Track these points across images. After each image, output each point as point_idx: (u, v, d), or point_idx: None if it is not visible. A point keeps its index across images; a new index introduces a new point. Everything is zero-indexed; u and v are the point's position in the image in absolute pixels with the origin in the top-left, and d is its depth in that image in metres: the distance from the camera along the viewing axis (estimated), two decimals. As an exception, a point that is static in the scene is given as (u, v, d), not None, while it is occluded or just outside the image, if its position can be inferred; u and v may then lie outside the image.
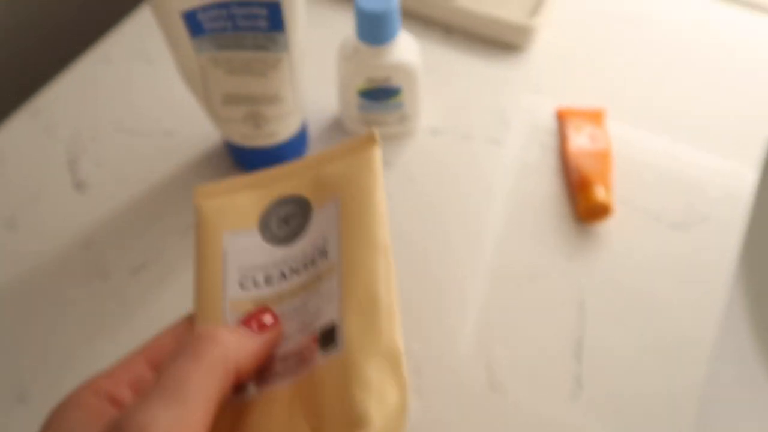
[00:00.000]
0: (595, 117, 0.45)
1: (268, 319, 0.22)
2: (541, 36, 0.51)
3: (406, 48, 0.40)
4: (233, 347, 0.20)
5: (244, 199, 0.26)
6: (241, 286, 0.24)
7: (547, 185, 0.42)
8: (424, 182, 0.43)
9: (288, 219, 0.25)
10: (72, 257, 0.40)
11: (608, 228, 0.40)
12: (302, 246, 0.24)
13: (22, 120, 0.47)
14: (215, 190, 0.26)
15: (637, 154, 0.44)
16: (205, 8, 0.34)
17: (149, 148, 0.45)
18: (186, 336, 0.22)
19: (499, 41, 0.51)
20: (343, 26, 0.51)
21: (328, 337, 0.21)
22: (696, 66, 0.49)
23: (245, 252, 0.24)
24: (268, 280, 0.24)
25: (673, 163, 0.43)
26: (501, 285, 0.38)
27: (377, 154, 0.25)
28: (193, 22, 0.35)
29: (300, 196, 0.25)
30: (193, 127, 0.46)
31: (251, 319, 0.22)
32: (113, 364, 0.22)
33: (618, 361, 0.35)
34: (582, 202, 0.39)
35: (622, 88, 0.48)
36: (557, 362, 0.35)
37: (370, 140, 0.26)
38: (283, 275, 0.24)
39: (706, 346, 0.36)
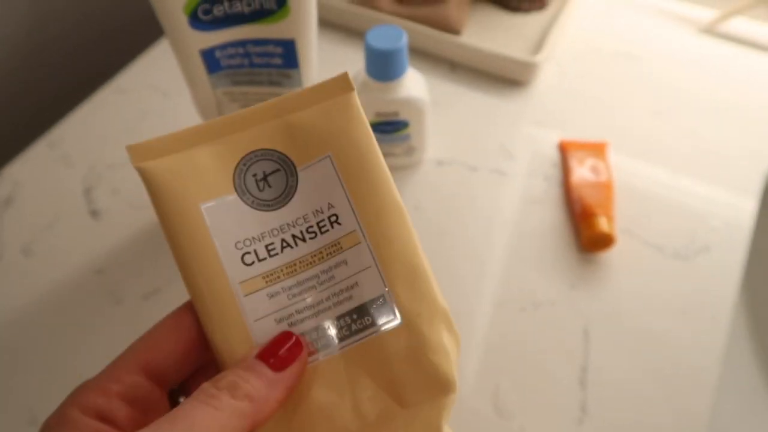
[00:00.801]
0: (597, 149, 0.46)
1: (293, 347, 0.20)
2: (543, 72, 0.53)
3: (414, 84, 0.41)
4: (256, 404, 0.19)
5: (203, 158, 0.21)
6: (244, 262, 0.21)
7: (550, 215, 0.44)
8: (430, 211, 0.44)
9: (267, 178, 0.22)
10: (86, 283, 0.41)
11: (611, 257, 0.41)
12: (298, 209, 0.22)
13: (40, 150, 0.49)
14: (156, 147, 0.21)
15: (638, 185, 0.45)
16: (222, 46, 0.36)
17: (163, 178, 0.47)
18: (206, 386, 0.19)
19: (503, 77, 0.53)
20: (352, 63, 0.53)
21: (382, 310, 0.21)
22: (694, 101, 0.51)
23: (233, 223, 0.21)
24: (271, 251, 0.21)
25: (673, 195, 0.45)
26: (506, 312, 0.39)
27: (356, 100, 0.22)
28: (210, 58, 0.36)
29: (274, 150, 0.22)
30: (206, 158, 0.47)
31: (274, 349, 0.20)
32: (103, 371, 0.20)
33: (623, 388, 0.36)
34: (585, 232, 0.40)
35: (623, 122, 0.50)
36: (562, 388, 0.36)
37: (345, 84, 0.22)
38: (287, 243, 0.21)
39: (710, 374, 0.36)
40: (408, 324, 0.21)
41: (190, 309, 0.21)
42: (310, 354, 0.21)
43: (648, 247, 0.42)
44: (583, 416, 0.35)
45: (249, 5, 0.34)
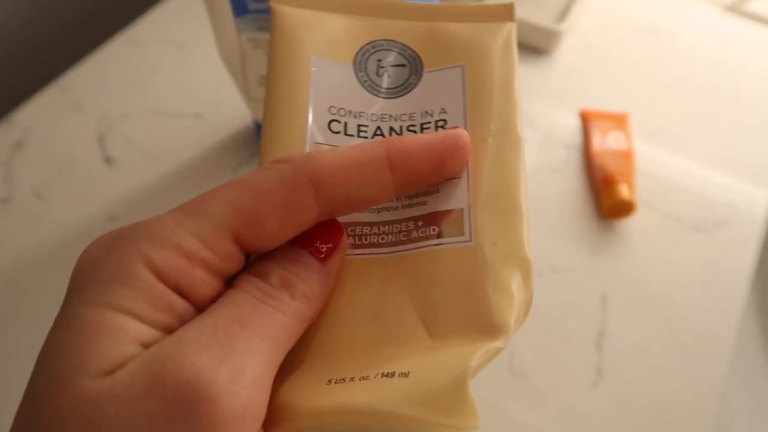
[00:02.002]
0: (618, 120, 0.46)
1: (333, 232, 0.17)
2: (566, 42, 0.52)
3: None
4: (313, 304, 0.16)
5: (337, 24, 0.21)
6: (330, 128, 0.19)
7: (570, 183, 0.43)
8: (449, 174, 0.44)
9: (391, 68, 0.21)
10: (98, 228, 0.40)
11: (630, 227, 0.41)
12: (407, 105, 0.20)
13: (52, 95, 0.48)
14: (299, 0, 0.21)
15: (658, 160, 0.45)
16: (250, -12, 0.35)
17: (178, 129, 0.46)
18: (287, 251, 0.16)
19: (525, 44, 0.52)
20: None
21: (454, 224, 0.18)
22: (717, 78, 0.51)
23: (337, 87, 0.20)
24: (361, 131, 0.20)
25: (693, 170, 0.44)
26: (524, 276, 0.39)
27: (513, 31, 0.21)
28: (238, 1, 0.35)
29: (407, 46, 0.21)
30: (222, 111, 0.47)
31: (315, 235, 0.17)
32: (180, 219, 0.15)
33: (639, 353, 0.36)
34: (606, 199, 0.40)
35: (644, 96, 0.49)
36: (579, 352, 0.36)
37: (507, 13, 0.21)
38: (381, 132, 0.20)
39: (724, 344, 0.36)
40: (479, 248, 0.17)
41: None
42: (355, 247, 0.18)
43: (667, 219, 0.42)
44: (598, 379, 0.35)
45: (282, -55, 0.33)
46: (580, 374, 0.35)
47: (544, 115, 0.48)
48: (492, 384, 0.34)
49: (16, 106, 0.48)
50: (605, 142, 0.44)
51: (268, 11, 0.36)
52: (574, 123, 0.47)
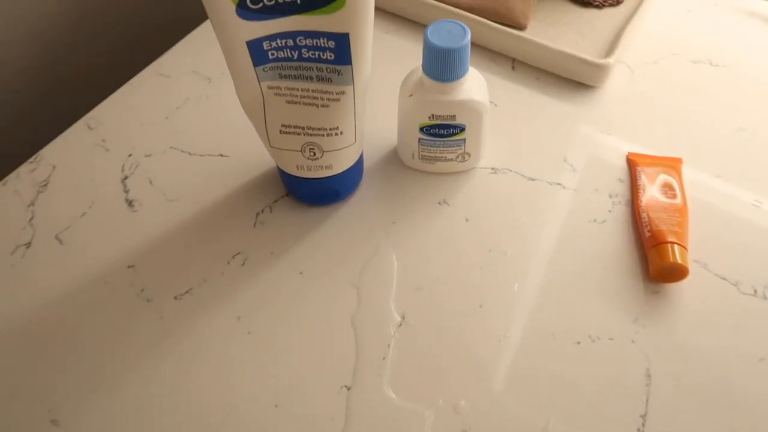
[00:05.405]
0: (671, 166, 0.42)
1: None
2: (613, 75, 0.49)
3: (475, 86, 0.38)
4: None
5: None
6: None
7: (614, 237, 0.40)
8: (481, 223, 0.41)
9: None
10: (117, 277, 0.39)
11: (680, 290, 0.37)
12: None
13: (79, 132, 0.47)
14: None
15: (713, 211, 0.41)
16: (270, 37, 0.33)
17: (203, 170, 0.44)
18: None
19: (570, 79, 0.48)
20: (407, 57, 0.49)
21: None
22: (782, 116, 0.46)
23: None
24: None
25: (754, 223, 0.40)
26: (559, 345, 0.36)
27: None
28: (257, 50, 0.33)
29: None
30: (248, 151, 0.45)
31: None
32: None
33: (687, 442, 0.32)
34: (654, 260, 0.36)
35: (700, 137, 0.45)
36: (619, 438, 0.32)
37: None
38: None
39: (788, 435, 0.32)
40: None
41: None
42: None
43: (723, 282, 0.38)
44: (641, 469, 0.31)
45: (302, -6, 0.31)
46: (619, 463, 0.32)
47: (587, 158, 0.44)
48: (521, 468, 0.32)
49: (44, 143, 0.47)
50: (655, 192, 0.40)
51: (289, 59, 0.34)
52: (620, 168, 0.43)
